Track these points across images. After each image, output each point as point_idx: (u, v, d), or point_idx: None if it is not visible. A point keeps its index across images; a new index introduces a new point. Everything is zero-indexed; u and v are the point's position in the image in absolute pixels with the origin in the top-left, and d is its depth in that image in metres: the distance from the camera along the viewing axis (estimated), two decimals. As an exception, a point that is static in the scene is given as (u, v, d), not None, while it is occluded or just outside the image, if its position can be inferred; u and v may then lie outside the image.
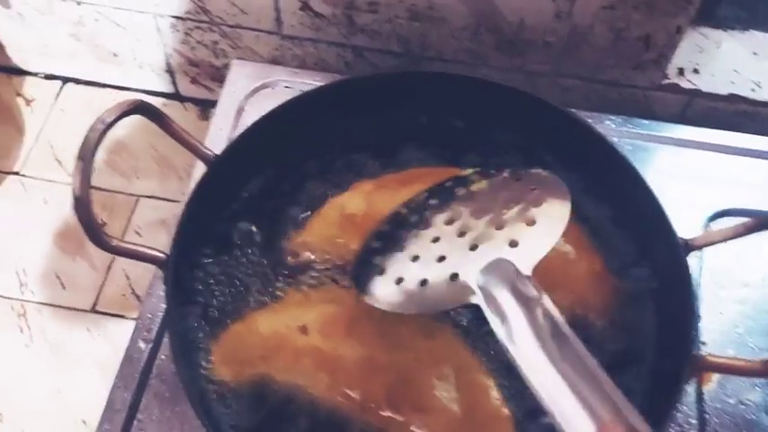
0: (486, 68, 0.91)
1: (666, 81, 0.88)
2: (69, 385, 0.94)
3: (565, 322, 0.46)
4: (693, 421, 0.66)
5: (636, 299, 0.62)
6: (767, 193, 0.79)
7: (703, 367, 0.55)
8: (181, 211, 0.61)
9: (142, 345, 0.68)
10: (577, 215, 0.62)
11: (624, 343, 0.60)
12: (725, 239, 0.58)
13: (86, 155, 0.51)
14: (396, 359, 0.56)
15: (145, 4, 0.96)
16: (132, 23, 1.00)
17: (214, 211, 0.66)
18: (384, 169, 0.69)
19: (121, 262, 1.01)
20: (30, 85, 1.16)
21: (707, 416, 0.66)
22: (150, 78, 1.11)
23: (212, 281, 0.63)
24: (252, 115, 0.83)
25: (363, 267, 0.57)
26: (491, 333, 0.47)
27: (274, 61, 0.98)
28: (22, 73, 1.16)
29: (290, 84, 0.87)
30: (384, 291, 0.54)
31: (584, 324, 0.60)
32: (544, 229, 0.51)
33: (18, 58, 1.14)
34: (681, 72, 0.89)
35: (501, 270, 0.49)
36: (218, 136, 0.82)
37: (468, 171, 0.61)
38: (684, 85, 0.88)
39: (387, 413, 0.55)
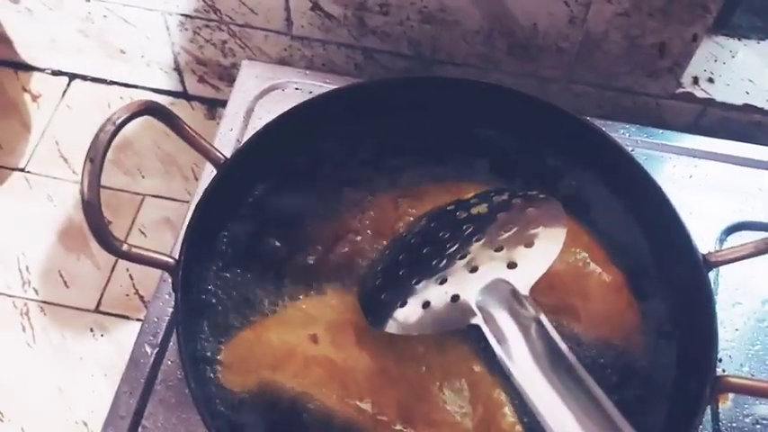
0: (497, 73, 0.90)
1: (680, 90, 0.87)
2: (71, 385, 0.93)
3: (561, 340, 0.47)
4: (709, 440, 0.65)
5: (654, 317, 0.62)
6: (782, 207, 0.78)
7: (725, 389, 0.54)
8: (190, 216, 0.60)
9: (148, 349, 0.67)
10: (598, 231, 0.64)
11: (642, 362, 0.59)
12: (746, 256, 0.57)
13: (96, 156, 0.49)
14: (408, 372, 0.56)
15: (154, 1, 0.95)
16: (141, 21, 0.99)
17: (224, 215, 0.65)
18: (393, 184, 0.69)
19: (125, 262, 1.00)
20: (37, 81, 1.15)
21: (723, 435, 0.65)
22: (158, 76, 1.10)
23: (221, 287, 0.62)
24: (261, 116, 0.83)
25: (369, 293, 0.59)
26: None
27: (283, 62, 0.97)
28: (29, 68, 1.15)
29: (300, 85, 0.87)
30: (388, 314, 0.55)
31: (604, 344, 0.60)
32: (542, 250, 0.53)
33: (25, 54, 1.13)
34: (695, 81, 0.88)
35: (499, 290, 0.51)
36: (227, 137, 0.81)
37: (469, 195, 0.63)
38: (698, 94, 0.87)
39: (398, 427, 0.54)
